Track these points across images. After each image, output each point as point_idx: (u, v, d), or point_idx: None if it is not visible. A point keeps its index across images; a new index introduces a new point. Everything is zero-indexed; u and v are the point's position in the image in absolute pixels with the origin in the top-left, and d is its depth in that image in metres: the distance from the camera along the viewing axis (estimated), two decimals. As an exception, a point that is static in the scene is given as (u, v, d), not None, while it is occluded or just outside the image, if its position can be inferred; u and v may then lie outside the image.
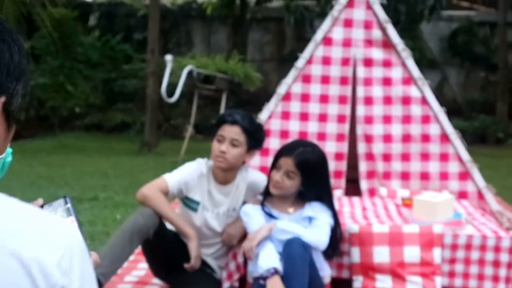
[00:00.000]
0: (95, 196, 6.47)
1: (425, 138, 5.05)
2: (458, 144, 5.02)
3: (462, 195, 4.96)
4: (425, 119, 5.07)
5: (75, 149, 10.42)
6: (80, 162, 9.07)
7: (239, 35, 14.57)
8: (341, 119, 5.09)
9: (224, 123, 3.33)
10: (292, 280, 2.90)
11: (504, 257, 3.42)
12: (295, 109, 5.13)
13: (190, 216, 3.42)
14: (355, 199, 4.52)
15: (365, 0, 5.06)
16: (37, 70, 11.04)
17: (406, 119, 5.06)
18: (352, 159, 5.20)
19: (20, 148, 10.43)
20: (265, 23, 14.85)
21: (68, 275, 1.03)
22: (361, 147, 5.08)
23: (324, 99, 5.10)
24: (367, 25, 5.09)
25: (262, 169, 4.68)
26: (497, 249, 3.43)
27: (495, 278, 3.44)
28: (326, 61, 5.10)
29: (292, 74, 5.11)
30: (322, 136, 5.09)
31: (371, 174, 5.11)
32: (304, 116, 5.12)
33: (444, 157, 5.06)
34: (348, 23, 5.09)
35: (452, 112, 5.04)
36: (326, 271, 3.31)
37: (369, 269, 3.38)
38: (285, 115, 5.15)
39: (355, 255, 3.41)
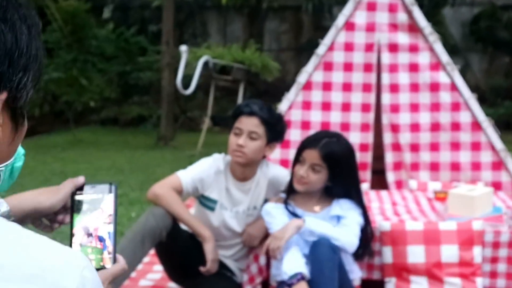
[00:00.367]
0: (109, 193, 6.24)
1: (455, 126, 4.78)
2: (490, 132, 4.74)
3: (495, 186, 4.68)
4: (455, 107, 4.79)
5: (90, 144, 10.23)
6: (95, 157, 8.86)
7: (255, 24, 14.27)
8: (365, 108, 4.83)
9: (241, 114, 3.08)
10: (320, 286, 2.64)
11: (549, 255, 3.14)
12: (317, 98, 4.88)
13: (207, 216, 3.17)
14: (384, 193, 4.24)
15: (389, -19, 4.77)
16: (51, 64, 10.83)
17: (435, 107, 4.79)
18: (378, 149, 4.94)
19: (34, 144, 10.26)
20: (281, 12, 14.54)
21: None
22: (387, 137, 4.81)
23: (347, 87, 4.84)
24: (392, 8, 4.81)
25: (283, 162, 4.43)
26: (542, 246, 3.14)
27: (540, 278, 3.16)
28: (348, 47, 4.83)
29: (312, 61, 4.85)
30: (345, 126, 4.83)
31: (398, 166, 4.84)
32: (326, 106, 4.87)
33: (475, 146, 4.78)
34: (371, 7, 4.81)
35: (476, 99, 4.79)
36: (356, 274, 3.05)
37: (402, 270, 3.11)
38: (306, 105, 4.89)
39: (387, 255, 3.14)
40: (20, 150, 1.02)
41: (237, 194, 3.16)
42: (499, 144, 4.72)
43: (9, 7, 0.88)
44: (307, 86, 4.89)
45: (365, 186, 4.56)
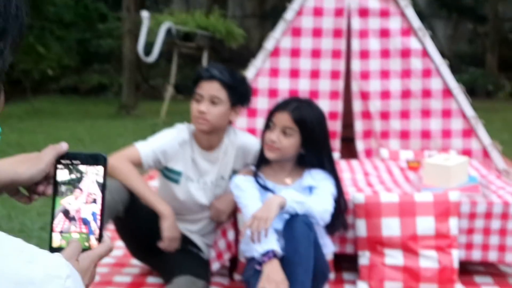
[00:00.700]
0: (69, 165, 6.01)
1: (426, 93, 4.68)
2: (461, 99, 4.65)
3: (466, 153, 4.60)
4: (426, 73, 4.68)
5: (49, 114, 9.93)
6: (54, 127, 8.59)
7: (218, -10, 13.97)
8: (334, 75, 4.68)
9: (201, 79, 2.91)
10: (295, 266, 2.49)
11: (526, 225, 3.06)
12: (285, 65, 4.71)
13: (172, 189, 2.99)
14: (354, 163, 4.12)
15: None
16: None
17: (406, 74, 4.68)
18: (347, 117, 4.81)
19: (-10, 114, 9.92)
20: (245, -24, 14.27)
21: None
22: (357, 105, 4.69)
23: (316, 53, 4.68)
24: (361, -28, 4.63)
25: (250, 131, 4.26)
26: (519, 216, 3.05)
27: (517, 248, 3.08)
28: (317, 12, 4.66)
29: (280, 27, 4.67)
30: (314, 94, 4.68)
31: (367, 134, 4.73)
32: (294, 73, 4.71)
33: (446, 114, 4.69)
34: (340, -30, 4.63)
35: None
36: (329, 248, 2.91)
37: (377, 244, 2.99)
38: (274, 72, 4.73)
39: (361, 228, 3.02)
40: None
41: (203, 164, 2.99)
42: (470, 111, 4.63)
43: None
44: (275, 52, 4.72)
45: (335, 156, 4.43)
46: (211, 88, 2.88)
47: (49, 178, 1.24)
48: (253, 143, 3.03)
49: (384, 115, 4.70)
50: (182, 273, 2.80)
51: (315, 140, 2.77)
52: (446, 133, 4.69)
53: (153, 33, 8.80)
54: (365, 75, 4.68)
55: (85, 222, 1.18)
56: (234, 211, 3.02)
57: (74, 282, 0.80)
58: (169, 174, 3.00)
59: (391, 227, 2.98)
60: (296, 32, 4.68)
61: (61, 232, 1.17)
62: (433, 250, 2.95)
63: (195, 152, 2.99)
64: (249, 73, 4.72)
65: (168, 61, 10.63)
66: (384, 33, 4.65)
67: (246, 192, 2.74)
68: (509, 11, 13.87)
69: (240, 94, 2.93)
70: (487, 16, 13.23)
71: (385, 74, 4.69)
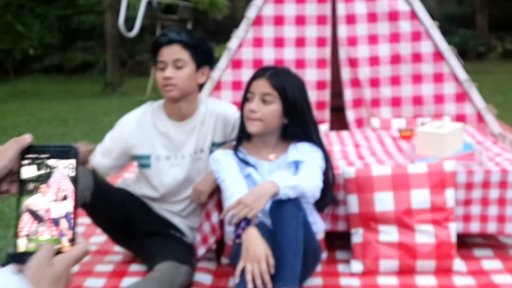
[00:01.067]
0: (51, 147, 5.81)
1: (417, 57, 4.50)
2: (453, 62, 4.47)
3: (460, 118, 4.45)
4: (416, 36, 4.50)
5: (32, 95, 9.69)
6: (37, 108, 8.37)
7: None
8: (321, 42, 4.49)
9: (161, 46, 2.75)
10: (284, 248, 2.32)
11: (526, 193, 2.89)
12: (268, 34, 4.52)
13: (146, 175, 2.86)
14: (345, 134, 3.94)
15: None
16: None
17: (394, 38, 4.49)
18: (336, 85, 4.62)
19: (-29, 97, 9.68)
20: None
21: None
22: (345, 73, 4.50)
23: (300, 20, 4.48)
24: None
25: (236, 104, 4.07)
26: (518, 184, 2.89)
27: (517, 218, 2.92)
28: (300, -24, 4.43)
29: (262, -6, 4.45)
30: (300, 63, 4.50)
31: (358, 103, 4.55)
32: (279, 42, 4.51)
33: (438, 78, 4.51)
34: None
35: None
36: (319, 225, 2.75)
37: (370, 220, 2.83)
38: (258, 42, 4.53)
39: (353, 204, 2.85)
40: None
41: (178, 136, 2.81)
42: (462, 74, 4.45)
43: None
44: (257, 21, 4.52)
45: (324, 127, 4.26)
46: (172, 52, 2.73)
47: (13, 174, 1.11)
48: (233, 111, 2.86)
49: (374, 82, 4.52)
50: (164, 259, 2.63)
51: (297, 107, 2.58)
52: (439, 98, 4.51)
53: (134, 7, 8.55)
54: (352, 41, 4.48)
55: (56, 222, 1.06)
56: (215, 192, 2.84)
57: None
58: (139, 161, 2.86)
59: (384, 201, 2.81)
60: (279, -2, 4.47)
61: (27, 235, 1.05)
62: (429, 224, 2.79)
63: (166, 126, 2.82)
64: (232, 43, 4.52)
65: (153, 35, 10.37)
66: (371, -4, 4.45)
67: (224, 166, 2.56)
68: (498, -30, 13.61)
69: (203, 54, 2.78)
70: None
71: (373, 39, 4.49)
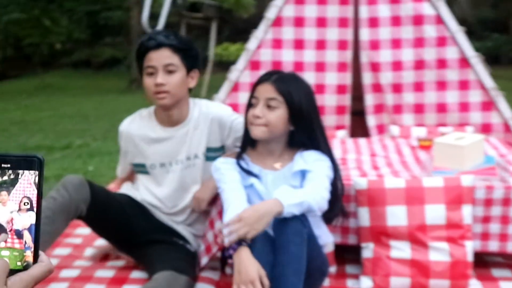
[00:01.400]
0: (69, 144, 5.76)
1: (441, 63, 4.33)
2: (479, 69, 4.29)
3: (485, 128, 4.27)
4: (441, 41, 4.32)
5: (58, 89, 9.71)
6: (61, 103, 8.36)
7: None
8: (342, 45, 4.35)
9: (148, 51, 2.62)
10: (285, 266, 2.19)
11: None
12: (288, 35, 4.39)
13: (143, 182, 2.81)
14: (362, 142, 3.80)
15: None
16: (10, 4, 10.13)
17: (419, 42, 4.33)
18: (357, 90, 4.48)
19: (-1, 91, 9.71)
20: None
21: None
22: (367, 77, 4.36)
23: (321, 22, 4.35)
24: None
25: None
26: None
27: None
28: (322, -23, 4.30)
29: (282, -6, 4.33)
30: (320, 66, 4.36)
31: (379, 108, 4.40)
32: (298, 44, 4.38)
33: (464, 85, 4.34)
34: None
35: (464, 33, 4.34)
36: (327, 238, 2.61)
37: (381, 234, 2.69)
38: (277, 43, 4.41)
39: (364, 217, 2.71)
40: None
41: (170, 143, 2.71)
42: (489, 82, 4.28)
43: None
44: (277, 22, 4.39)
45: (342, 134, 4.12)
46: (162, 57, 2.60)
47: None
48: (228, 113, 2.73)
49: (397, 88, 4.37)
50: (162, 268, 2.53)
51: (304, 113, 2.45)
52: (464, 106, 4.34)
53: (159, 5, 8.48)
54: (374, 45, 4.34)
55: (19, 234, 0.99)
56: (218, 199, 2.73)
57: None
58: (136, 168, 2.84)
59: (397, 216, 2.67)
60: (300, -1, 4.35)
61: None
62: (444, 242, 2.64)
63: (158, 132, 2.72)
64: (251, 44, 4.41)
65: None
66: (395, -1, 4.30)
67: (225, 175, 2.45)
68: (535, -27, 13.29)
69: (193, 57, 2.67)
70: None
71: (396, 43, 4.34)
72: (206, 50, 9.57)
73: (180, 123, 2.71)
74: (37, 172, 1.00)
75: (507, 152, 3.36)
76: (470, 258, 2.64)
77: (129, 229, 2.72)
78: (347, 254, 2.97)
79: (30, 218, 1.00)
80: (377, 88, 4.37)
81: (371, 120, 4.40)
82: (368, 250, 2.72)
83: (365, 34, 4.31)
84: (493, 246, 2.79)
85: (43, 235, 2.44)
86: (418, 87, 4.36)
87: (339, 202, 2.57)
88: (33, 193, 1.00)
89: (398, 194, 2.68)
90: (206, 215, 2.82)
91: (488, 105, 4.31)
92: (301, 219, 2.28)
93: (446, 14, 4.30)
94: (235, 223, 2.21)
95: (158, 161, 2.73)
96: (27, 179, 1.00)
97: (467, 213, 2.66)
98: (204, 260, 2.79)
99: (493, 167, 2.90)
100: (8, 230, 0.98)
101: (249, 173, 2.47)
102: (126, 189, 2.89)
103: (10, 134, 6.28)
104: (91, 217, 2.61)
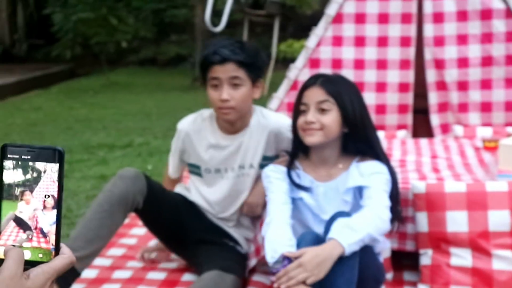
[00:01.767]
0: (130, 142, 5.81)
1: (511, 59, 4.11)
2: (552, 65, 4.06)
3: (557, 128, 4.04)
4: (510, 37, 4.11)
5: (123, 87, 9.84)
6: (125, 101, 8.46)
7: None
8: (404, 42, 4.21)
9: (212, 65, 2.54)
10: (337, 276, 2.08)
11: None
12: (349, 32, 4.28)
13: (195, 184, 2.77)
14: (423, 142, 3.65)
15: None
16: (79, 3, 10.34)
17: (486, 38, 4.14)
18: (420, 87, 4.32)
19: (67, 88, 9.94)
20: None
21: None
22: (431, 75, 4.20)
23: (383, 18, 4.22)
24: None
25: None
26: None
27: None
28: (384, -29, 4.17)
29: (343, -11, 4.22)
30: (382, 63, 4.24)
31: (443, 107, 4.23)
32: (359, 41, 4.27)
33: (534, 82, 4.12)
34: None
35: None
36: (383, 244, 2.50)
37: (441, 241, 2.56)
38: (337, 41, 4.30)
39: (422, 222, 2.59)
40: None
41: (228, 151, 2.65)
42: (562, 78, 4.05)
43: None
44: (337, 18, 4.28)
45: (402, 134, 3.98)
46: (227, 70, 2.52)
47: None
48: (287, 125, 2.63)
49: (462, 86, 4.19)
50: (210, 268, 2.50)
51: (356, 114, 2.35)
52: (535, 105, 4.13)
53: (222, 2, 8.47)
54: (439, 41, 4.18)
55: (44, 232, 1.00)
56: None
57: None
58: (190, 168, 2.78)
59: (457, 221, 2.54)
60: (361, -5, 4.22)
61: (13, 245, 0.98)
62: (509, 250, 2.50)
63: (217, 138, 2.66)
64: (311, 42, 4.32)
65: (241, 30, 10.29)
66: (461, -8, 4.13)
67: (273, 184, 2.37)
68: None
69: (258, 68, 2.59)
70: None
71: (462, 39, 4.17)
72: (269, 47, 9.51)
73: (240, 131, 2.65)
74: (58, 165, 0.99)
75: None
76: (537, 268, 2.48)
77: (181, 226, 2.70)
78: (405, 260, 2.84)
79: (53, 215, 1.00)
80: (442, 86, 4.22)
81: (435, 119, 4.24)
82: (426, 257, 2.60)
83: (429, 30, 4.16)
84: None
85: (102, 229, 2.47)
86: (485, 84, 4.18)
87: (395, 208, 2.46)
88: (53, 188, 1.00)
89: (458, 199, 2.55)
90: (256, 219, 2.76)
91: (560, 104, 4.09)
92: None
93: (516, 7, 4.10)
94: (294, 269, 2.13)
95: (213, 167, 2.68)
96: (50, 177, 0.99)
97: (534, 220, 2.50)
98: (252, 262, 2.74)
99: None
100: (33, 228, 0.99)
101: (299, 187, 2.39)
102: (179, 189, 2.87)
103: (74, 132, 6.39)
104: (147, 210, 2.59)
